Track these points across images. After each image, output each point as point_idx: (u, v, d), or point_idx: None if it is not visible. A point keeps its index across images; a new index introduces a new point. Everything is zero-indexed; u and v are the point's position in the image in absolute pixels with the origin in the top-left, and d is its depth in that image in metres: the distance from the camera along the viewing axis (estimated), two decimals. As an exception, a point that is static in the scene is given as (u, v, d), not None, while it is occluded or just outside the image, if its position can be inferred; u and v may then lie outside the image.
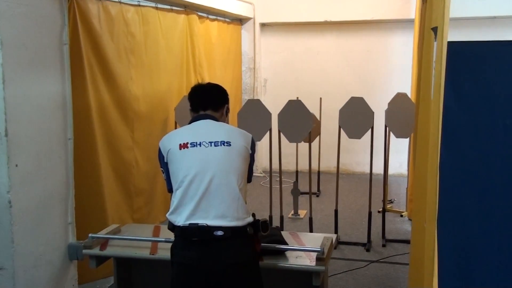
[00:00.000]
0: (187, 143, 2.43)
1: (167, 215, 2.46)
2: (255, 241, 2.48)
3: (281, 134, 4.84)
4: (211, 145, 2.41)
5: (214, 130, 2.49)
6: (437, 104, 1.60)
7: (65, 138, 3.17)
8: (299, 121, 4.74)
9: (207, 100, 2.62)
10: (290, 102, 4.81)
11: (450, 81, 2.06)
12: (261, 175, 8.04)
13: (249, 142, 2.55)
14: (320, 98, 6.76)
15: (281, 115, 4.76)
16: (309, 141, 5.04)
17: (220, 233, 2.29)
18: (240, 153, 2.46)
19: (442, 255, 1.67)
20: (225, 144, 2.42)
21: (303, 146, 5.90)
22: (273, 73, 8.19)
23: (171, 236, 2.83)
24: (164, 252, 2.76)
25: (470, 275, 2.01)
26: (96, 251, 2.83)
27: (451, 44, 1.99)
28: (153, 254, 2.75)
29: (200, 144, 2.42)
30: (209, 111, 2.59)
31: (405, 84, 6.24)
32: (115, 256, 2.94)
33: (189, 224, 2.33)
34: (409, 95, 5.29)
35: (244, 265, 2.39)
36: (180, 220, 2.36)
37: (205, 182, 2.35)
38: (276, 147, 4.92)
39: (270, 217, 4.89)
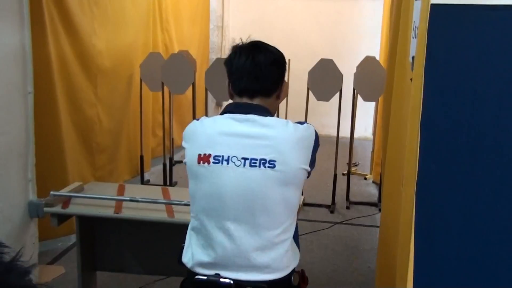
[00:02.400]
0: (209, 155, 1.61)
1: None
2: None
3: (249, 94, 4.77)
4: (244, 164, 1.58)
5: (254, 136, 1.61)
6: (420, 63, 1.56)
7: (24, 92, 3.01)
8: (267, 82, 4.66)
9: (258, 83, 1.69)
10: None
11: (428, 44, 2.03)
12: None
13: (309, 154, 1.65)
14: (289, 60, 6.67)
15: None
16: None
17: None
18: (288, 182, 1.60)
19: (419, 217, 1.67)
20: (267, 165, 1.57)
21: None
22: (241, 32, 8.00)
23: (136, 195, 2.77)
24: (129, 211, 2.70)
25: (446, 238, 2.04)
26: (58, 209, 2.74)
27: (433, 7, 1.95)
28: (117, 213, 2.68)
29: (228, 161, 1.59)
30: (258, 99, 1.70)
31: (374, 47, 6.22)
32: (78, 215, 2.86)
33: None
34: (377, 58, 5.27)
35: None
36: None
37: (225, 227, 1.62)
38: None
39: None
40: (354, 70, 4.91)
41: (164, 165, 5.35)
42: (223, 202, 1.60)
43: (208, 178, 1.61)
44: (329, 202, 4.99)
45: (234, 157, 1.59)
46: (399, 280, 1.62)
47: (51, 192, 2.76)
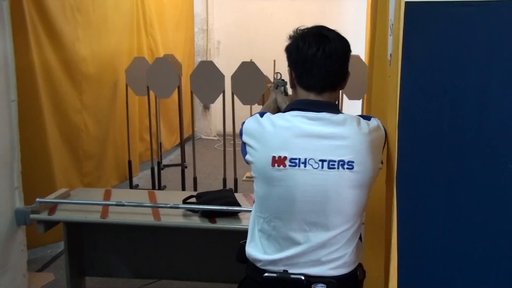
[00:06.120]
0: (285, 158, 1.53)
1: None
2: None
3: (235, 96, 4.79)
4: (322, 166, 1.52)
5: (329, 136, 1.53)
6: (396, 61, 1.59)
7: (8, 100, 3.01)
8: (252, 83, 4.69)
9: (329, 79, 1.60)
10: (244, 64, 4.74)
11: (404, 42, 2.06)
12: (215, 138, 8.00)
13: (381, 152, 1.61)
14: (274, 61, 6.70)
15: (234, 77, 4.70)
16: (263, 103, 5.01)
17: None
18: (363, 183, 1.56)
19: (401, 214, 1.71)
20: (346, 166, 1.52)
21: (257, 108, 5.87)
22: (226, 34, 8.06)
23: (122, 199, 2.78)
24: (115, 215, 2.71)
25: (426, 230, 2.08)
26: (44, 215, 2.75)
27: (408, 4, 1.99)
28: (103, 218, 2.69)
29: (305, 163, 1.52)
30: (327, 94, 1.60)
31: (359, 46, 6.27)
32: (64, 221, 2.87)
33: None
34: (362, 57, 5.31)
35: None
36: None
37: (298, 228, 1.59)
38: (229, 110, 4.87)
39: (224, 179, 4.88)
40: (339, 69, 4.95)
41: (152, 169, 5.35)
42: (297, 204, 1.55)
43: (283, 181, 1.55)
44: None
45: (312, 159, 1.52)
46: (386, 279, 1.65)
47: (37, 199, 2.77)
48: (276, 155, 1.54)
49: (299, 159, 1.52)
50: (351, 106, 5.99)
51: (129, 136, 5.27)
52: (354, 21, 7.28)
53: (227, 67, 5.24)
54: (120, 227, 2.89)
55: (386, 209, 1.89)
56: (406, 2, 1.86)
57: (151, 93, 5.16)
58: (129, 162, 5.30)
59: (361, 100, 5.34)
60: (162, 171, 5.57)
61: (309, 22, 6.76)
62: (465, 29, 2.23)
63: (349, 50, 1.65)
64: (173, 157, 6.96)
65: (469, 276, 2.32)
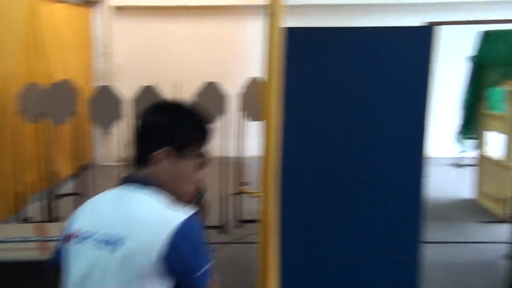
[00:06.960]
0: (75, 233, 1.36)
1: None
2: None
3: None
4: (100, 244, 1.28)
5: (121, 210, 1.33)
6: (276, 83, 1.63)
7: None
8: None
9: (140, 148, 1.45)
10: (144, 87, 4.69)
11: (292, 64, 2.14)
12: (116, 164, 7.77)
13: (161, 240, 1.24)
14: (180, 84, 6.67)
15: (136, 101, 4.62)
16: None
17: None
18: (128, 265, 1.24)
19: (285, 223, 1.75)
20: (116, 244, 1.26)
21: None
22: (129, 58, 7.90)
23: (8, 235, 2.59)
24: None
25: (311, 235, 2.15)
26: None
27: (291, 30, 2.07)
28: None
29: (90, 239, 1.31)
30: (141, 167, 1.43)
31: (258, 68, 6.38)
32: None
33: None
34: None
35: None
36: None
37: None
38: (128, 135, 4.75)
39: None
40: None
41: (48, 199, 5.07)
42: None
43: (70, 260, 1.39)
44: (220, 223, 5.01)
45: (92, 236, 1.36)
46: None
47: None
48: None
49: (79, 235, 1.34)
50: (252, 128, 6.07)
51: (20, 166, 4.97)
52: (254, 43, 7.41)
53: (131, 92, 5.14)
54: (5, 265, 2.69)
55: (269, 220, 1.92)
56: (288, 28, 1.94)
57: (47, 119, 4.92)
58: (18, 194, 4.98)
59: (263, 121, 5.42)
60: (58, 202, 5.29)
61: (210, 45, 6.82)
62: (345, 52, 2.37)
63: (173, 127, 1.45)
64: (70, 186, 6.65)
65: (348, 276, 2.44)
